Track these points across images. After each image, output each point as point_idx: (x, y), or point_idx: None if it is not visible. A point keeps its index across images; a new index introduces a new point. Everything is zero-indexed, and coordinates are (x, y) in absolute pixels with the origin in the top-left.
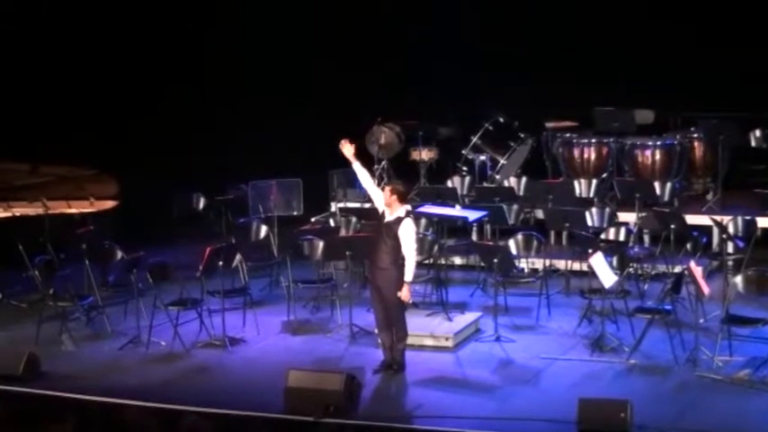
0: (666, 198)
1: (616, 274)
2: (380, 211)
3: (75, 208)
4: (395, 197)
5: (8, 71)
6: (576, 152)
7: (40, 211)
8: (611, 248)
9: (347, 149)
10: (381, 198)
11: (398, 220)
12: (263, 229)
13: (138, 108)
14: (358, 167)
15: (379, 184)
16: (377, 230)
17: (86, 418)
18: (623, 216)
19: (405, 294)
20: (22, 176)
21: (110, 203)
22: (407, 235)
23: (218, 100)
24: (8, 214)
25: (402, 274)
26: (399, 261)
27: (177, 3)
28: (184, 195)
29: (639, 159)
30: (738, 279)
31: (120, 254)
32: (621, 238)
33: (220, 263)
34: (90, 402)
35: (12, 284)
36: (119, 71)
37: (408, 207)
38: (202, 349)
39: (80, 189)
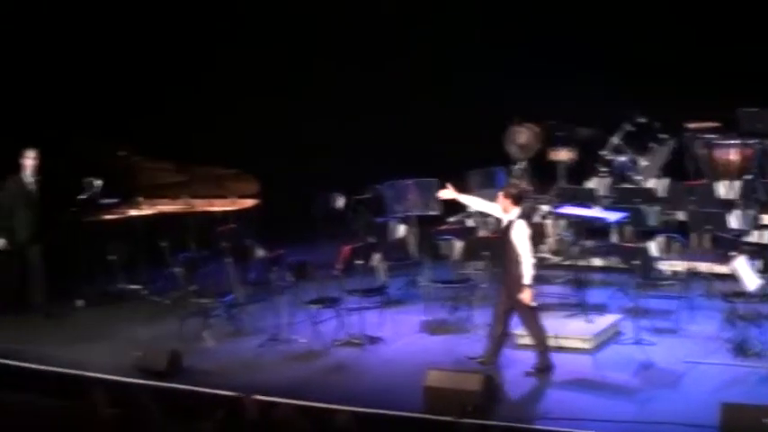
0: None
1: (760, 277)
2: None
3: (218, 206)
4: (508, 201)
5: (153, 72)
6: (719, 153)
7: (184, 209)
8: (755, 251)
9: (447, 194)
10: (497, 208)
11: (510, 224)
12: (402, 229)
13: (280, 109)
14: (464, 199)
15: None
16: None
17: (231, 414)
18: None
19: (526, 297)
20: (166, 175)
21: (251, 202)
22: (520, 237)
23: (359, 100)
24: (153, 212)
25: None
26: (519, 263)
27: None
28: (324, 195)
29: None
30: None
31: (260, 252)
32: (766, 240)
33: (359, 262)
34: (234, 398)
35: (155, 281)
36: (265, 72)
37: (520, 211)
38: (341, 347)
39: (222, 188)
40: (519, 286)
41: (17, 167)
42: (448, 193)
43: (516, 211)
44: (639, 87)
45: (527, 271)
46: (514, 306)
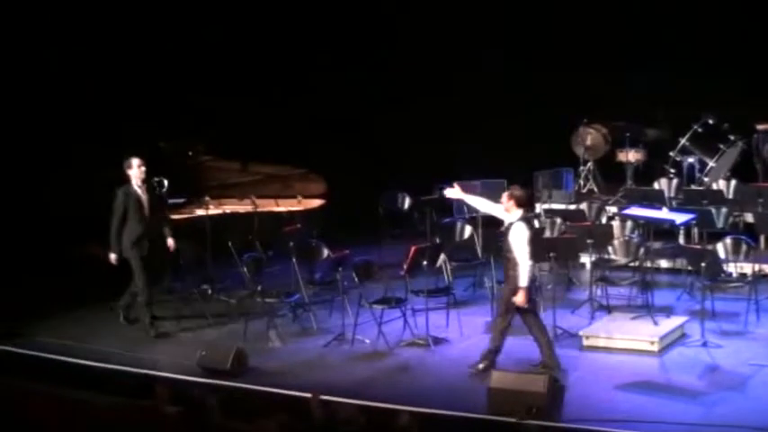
0: None
1: None
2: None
3: (284, 206)
4: (512, 202)
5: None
6: None
7: (250, 208)
8: None
9: (453, 192)
10: (501, 209)
11: (510, 225)
12: (468, 230)
13: (348, 110)
14: (470, 199)
15: (584, 186)
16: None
17: (295, 414)
18: None
19: (520, 299)
20: (233, 175)
21: (317, 202)
22: (517, 239)
23: (427, 101)
24: (219, 211)
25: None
26: (516, 264)
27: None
28: (390, 195)
29: None
30: None
31: (326, 252)
32: None
33: (424, 262)
34: (299, 398)
35: (221, 280)
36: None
37: (524, 213)
38: (406, 348)
39: (289, 188)
40: (515, 288)
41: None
42: (454, 192)
43: (519, 212)
44: (709, 88)
45: (523, 273)
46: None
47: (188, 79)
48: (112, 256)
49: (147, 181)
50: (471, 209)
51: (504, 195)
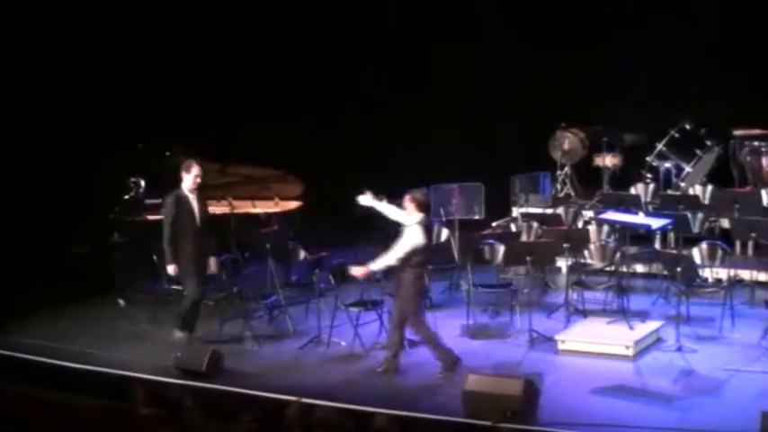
0: None
1: None
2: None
3: (261, 208)
4: (412, 205)
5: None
6: (765, 161)
7: (227, 210)
8: None
9: (364, 200)
10: (404, 215)
11: (406, 227)
12: (445, 233)
13: (322, 111)
14: (379, 206)
15: (561, 190)
16: None
17: (269, 416)
18: None
19: (357, 270)
20: (211, 176)
21: (294, 204)
22: (406, 239)
23: (401, 102)
24: None
25: (412, 279)
26: (411, 265)
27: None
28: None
29: None
30: None
31: (303, 254)
32: None
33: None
34: (274, 400)
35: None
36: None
37: (423, 218)
38: (382, 350)
39: (266, 189)
40: (409, 288)
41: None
42: (365, 199)
43: (418, 216)
44: (686, 93)
45: (383, 260)
46: (400, 304)
47: (167, 79)
48: (171, 268)
49: (200, 189)
50: (448, 212)
51: (406, 198)
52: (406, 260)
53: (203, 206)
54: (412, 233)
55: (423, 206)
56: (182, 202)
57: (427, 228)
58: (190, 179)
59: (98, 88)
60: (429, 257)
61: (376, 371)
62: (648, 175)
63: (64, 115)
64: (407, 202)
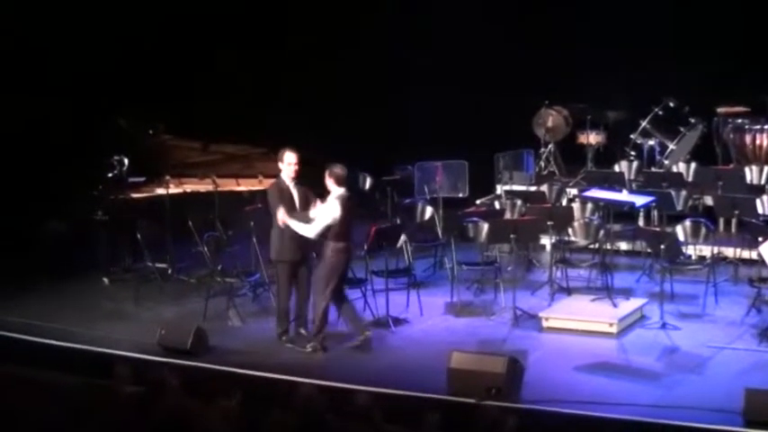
0: None
1: None
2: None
3: (245, 186)
4: (331, 180)
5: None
6: (748, 138)
7: (210, 188)
8: None
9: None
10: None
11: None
12: (429, 211)
13: (308, 88)
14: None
15: (545, 168)
16: None
17: (254, 394)
18: None
19: (280, 215)
20: (193, 154)
21: None
22: (323, 207)
23: (388, 82)
24: (180, 191)
25: (329, 254)
26: (328, 237)
27: None
28: (351, 175)
29: None
30: None
31: None
32: None
33: (385, 243)
34: (258, 378)
35: (181, 260)
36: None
37: (343, 192)
38: (367, 327)
39: (250, 167)
40: (327, 260)
41: None
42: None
43: (339, 191)
44: (670, 71)
45: (301, 227)
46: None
47: (148, 55)
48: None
49: (299, 179)
50: (432, 189)
51: (326, 174)
52: (322, 233)
53: (304, 195)
54: (329, 207)
55: (341, 180)
56: (283, 192)
57: (345, 201)
58: (285, 168)
59: (78, 62)
60: (348, 231)
61: (347, 347)
62: (632, 153)
63: (45, 91)
64: (327, 177)
